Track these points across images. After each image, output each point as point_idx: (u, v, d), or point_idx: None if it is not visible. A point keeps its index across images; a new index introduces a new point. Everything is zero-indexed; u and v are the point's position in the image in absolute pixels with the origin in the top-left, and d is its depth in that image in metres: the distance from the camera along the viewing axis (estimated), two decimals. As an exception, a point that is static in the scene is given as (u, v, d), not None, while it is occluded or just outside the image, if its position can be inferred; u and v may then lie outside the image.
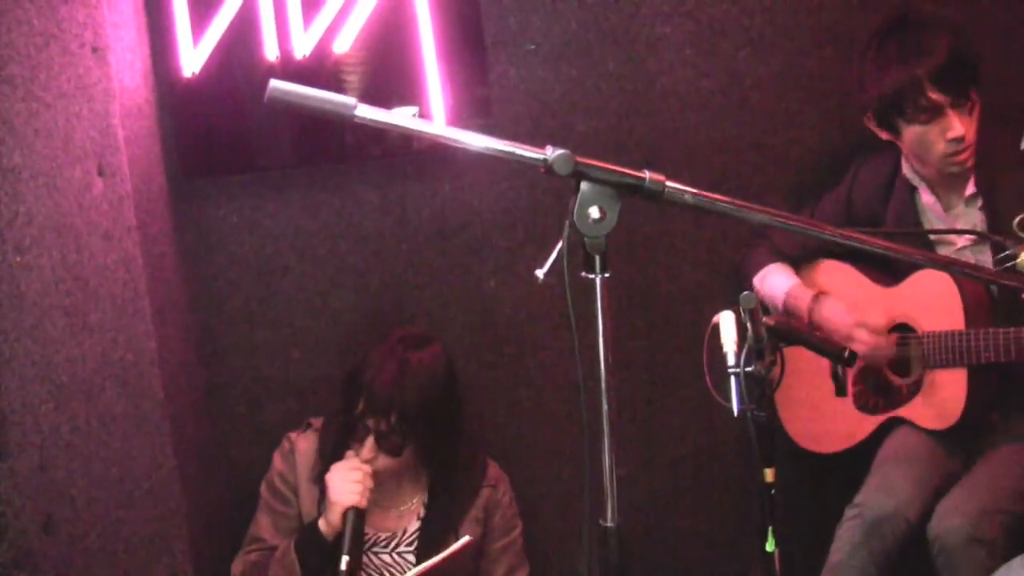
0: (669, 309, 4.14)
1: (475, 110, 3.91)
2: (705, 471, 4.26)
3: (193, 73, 3.82)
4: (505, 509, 3.59)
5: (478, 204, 4.05)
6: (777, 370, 2.73)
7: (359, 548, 3.30)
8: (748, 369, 2.66)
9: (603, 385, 2.05)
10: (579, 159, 2.01)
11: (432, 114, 3.83)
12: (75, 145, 2.99)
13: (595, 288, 2.05)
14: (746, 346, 2.67)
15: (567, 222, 2.02)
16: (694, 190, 2.08)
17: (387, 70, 3.88)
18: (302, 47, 3.81)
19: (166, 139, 3.85)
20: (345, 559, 3.14)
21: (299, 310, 4.08)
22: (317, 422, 3.59)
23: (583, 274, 2.05)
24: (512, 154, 2.05)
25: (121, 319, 3.15)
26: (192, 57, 3.80)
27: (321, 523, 3.32)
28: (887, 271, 3.70)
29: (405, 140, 3.95)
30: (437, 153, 3.97)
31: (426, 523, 3.49)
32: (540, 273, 2.08)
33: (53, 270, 2.80)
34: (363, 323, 4.07)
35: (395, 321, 4.03)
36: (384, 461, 3.37)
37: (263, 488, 3.59)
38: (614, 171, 2.03)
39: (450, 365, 3.53)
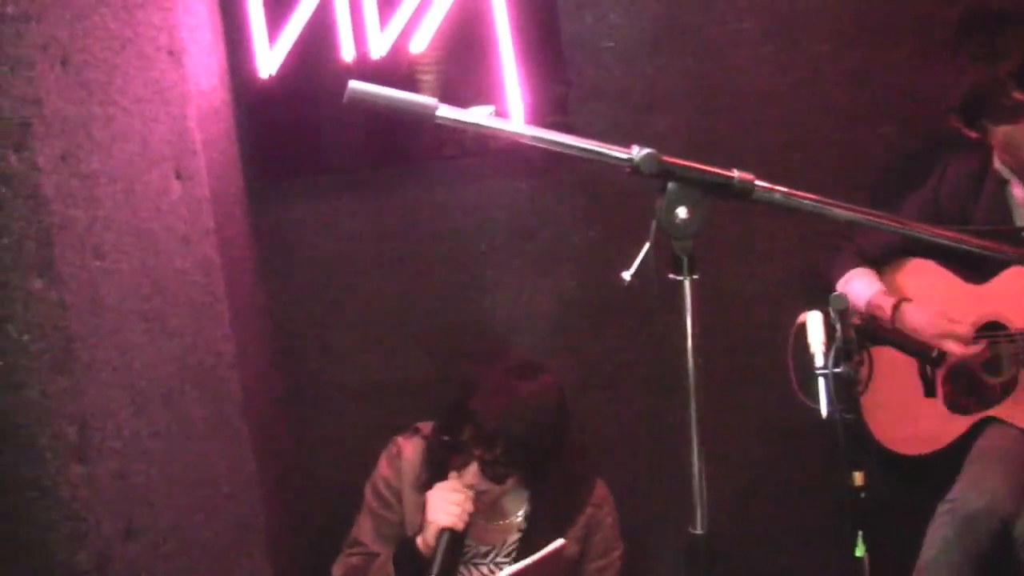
0: (748, 309, 4.08)
1: (553, 109, 3.87)
2: (787, 475, 4.19)
3: (269, 75, 3.82)
4: (607, 531, 3.52)
5: (556, 204, 4.01)
6: (865, 370, 2.67)
7: (450, 570, 3.26)
8: (837, 370, 2.59)
9: (691, 388, 1.99)
10: (665, 158, 1.96)
11: (510, 113, 3.79)
12: (152, 149, 2.99)
13: (682, 290, 2.00)
14: (834, 347, 2.60)
15: (653, 223, 1.97)
16: (784, 189, 2.02)
17: (463, 70, 3.85)
18: (378, 47, 3.80)
19: (243, 141, 3.84)
20: None
21: (376, 312, 4.06)
22: (425, 427, 3.52)
23: (670, 276, 1.99)
24: (597, 153, 2.00)
25: (199, 323, 3.14)
26: (268, 58, 3.80)
27: (419, 540, 3.28)
28: (976, 269, 3.61)
29: (481, 140, 3.91)
30: (513, 152, 3.93)
31: (526, 536, 3.43)
32: (627, 275, 2.03)
33: (132, 275, 2.79)
34: (441, 325, 4.05)
35: (472, 323, 4.00)
36: (488, 485, 3.33)
37: (367, 490, 3.54)
38: (702, 170, 1.97)
39: (560, 395, 3.41)
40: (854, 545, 2.66)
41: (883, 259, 3.77)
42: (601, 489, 3.53)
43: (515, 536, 3.45)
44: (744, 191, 1.99)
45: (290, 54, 3.81)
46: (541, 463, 3.32)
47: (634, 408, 4.09)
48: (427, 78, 3.86)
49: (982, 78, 3.34)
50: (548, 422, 3.31)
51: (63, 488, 2.48)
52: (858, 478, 2.66)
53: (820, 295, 2.73)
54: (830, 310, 2.59)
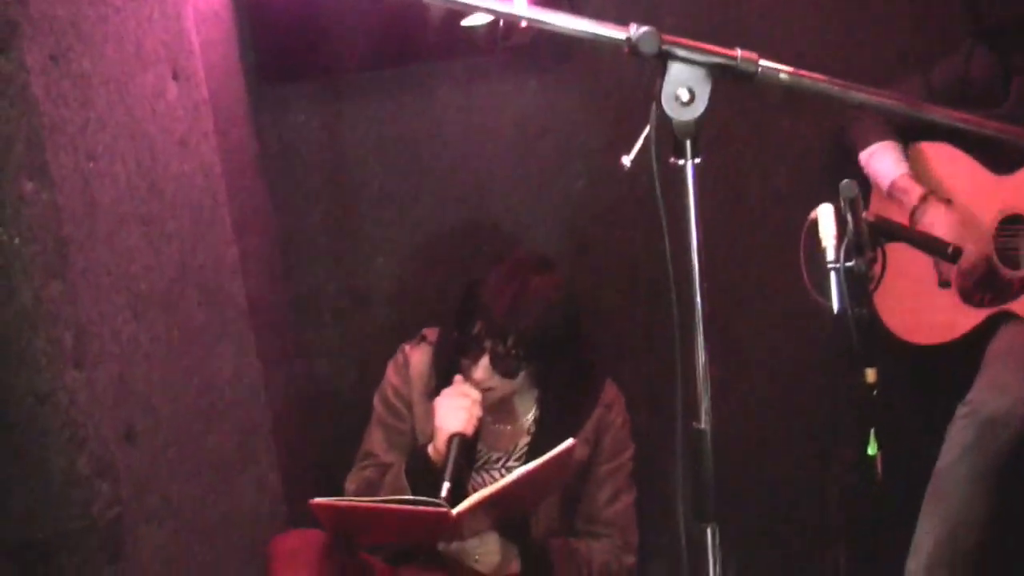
0: (762, 208, 4.03)
1: (558, 3, 3.77)
2: (799, 374, 4.15)
3: (269, -25, 3.73)
4: (617, 431, 3.50)
5: (564, 104, 3.95)
6: (878, 267, 2.61)
7: (462, 475, 3.24)
8: (848, 264, 2.53)
9: (695, 278, 1.93)
10: (666, 37, 1.89)
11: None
12: (147, 50, 2.92)
13: (685, 177, 1.93)
14: (846, 239, 2.54)
15: (653, 104, 1.91)
16: (790, 69, 1.94)
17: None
18: (379, -56, 3.71)
19: (244, 45, 3.77)
20: (446, 486, 3.08)
21: (383, 217, 4.01)
22: (431, 333, 3.51)
23: (672, 160, 1.93)
24: (593, 34, 1.94)
25: (200, 226, 3.09)
26: (267, -41, 3.72)
27: (430, 448, 3.27)
28: (1002, 158, 3.51)
29: (488, 39, 3.84)
30: (521, 52, 3.87)
31: (535, 439, 3.41)
32: (626, 160, 1.97)
33: (127, 177, 2.73)
34: (449, 230, 4.00)
35: (481, 226, 3.95)
36: (497, 382, 3.31)
37: (376, 400, 3.52)
38: (704, 49, 1.91)
39: (570, 290, 3.41)
40: (866, 443, 2.61)
41: (909, 127, 3.66)
42: (611, 389, 3.50)
43: (525, 440, 3.43)
44: (748, 72, 1.91)
45: (290, -46, 3.73)
46: (551, 357, 3.30)
47: (646, 307, 4.04)
48: (431, -23, 3.77)
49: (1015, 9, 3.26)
50: (559, 313, 3.30)
51: (60, 394, 2.44)
52: (871, 375, 2.60)
53: (835, 192, 2.65)
54: (840, 200, 2.52)
